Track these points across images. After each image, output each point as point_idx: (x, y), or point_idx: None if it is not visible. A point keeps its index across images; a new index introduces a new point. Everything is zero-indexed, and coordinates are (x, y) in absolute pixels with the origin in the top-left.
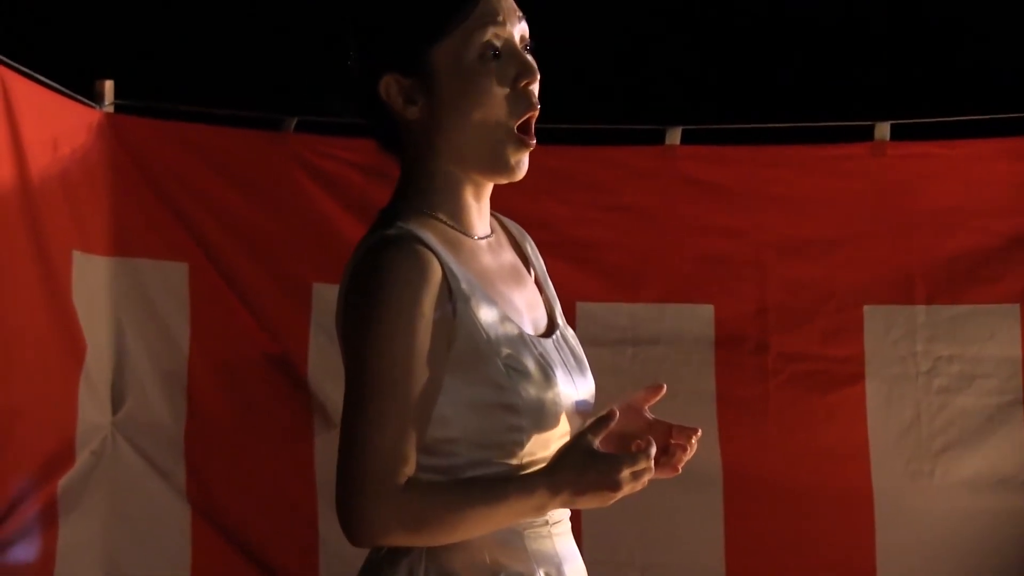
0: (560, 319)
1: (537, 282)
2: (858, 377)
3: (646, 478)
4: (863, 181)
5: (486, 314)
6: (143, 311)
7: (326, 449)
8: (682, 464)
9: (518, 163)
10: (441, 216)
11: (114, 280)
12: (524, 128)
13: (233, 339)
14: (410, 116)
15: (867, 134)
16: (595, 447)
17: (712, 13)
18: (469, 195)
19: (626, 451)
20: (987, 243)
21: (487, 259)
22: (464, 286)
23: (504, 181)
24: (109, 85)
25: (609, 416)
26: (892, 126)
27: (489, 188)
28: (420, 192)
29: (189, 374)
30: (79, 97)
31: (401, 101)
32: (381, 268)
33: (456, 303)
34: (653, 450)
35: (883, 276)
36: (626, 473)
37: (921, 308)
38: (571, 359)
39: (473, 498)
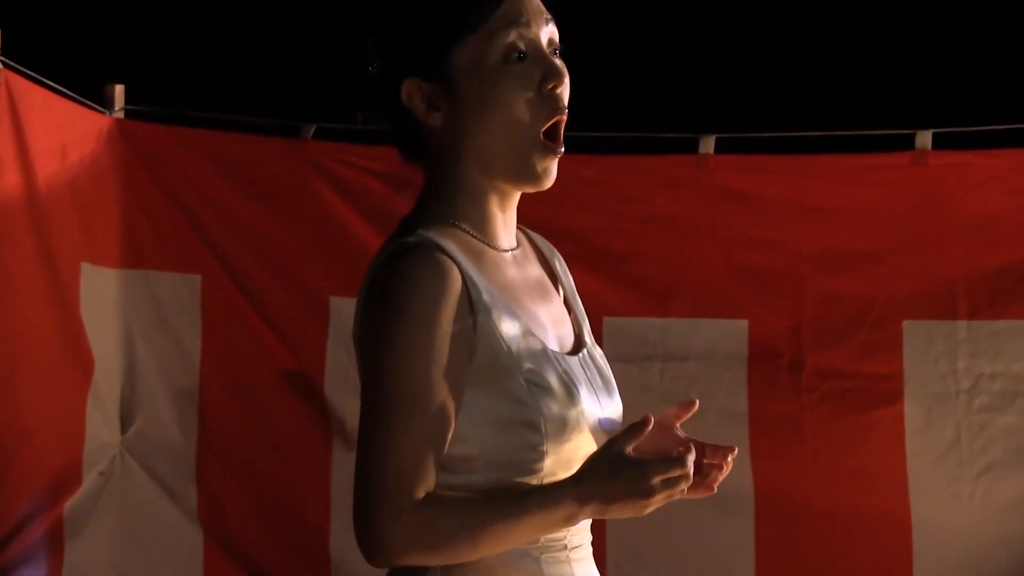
0: (588, 338)
1: (566, 300)
2: (896, 395)
3: (682, 486)
4: (903, 191)
5: (508, 327)
6: (154, 325)
7: (343, 469)
8: (718, 483)
9: (545, 170)
10: (464, 226)
11: (124, 293)
12: (551, 134)
13: (247, 354)
14: (433, 123)
15: (908, 143)
16: (626, 453)
17: (747, 18)
18: (494, 205)
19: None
20: None
21: (511, 272)
22: (486, 297)
23: (531, 190)
24: (119, 90)
25: (643, 423)
26: (934, 135)
27: (515, 199)
28: (443, 201)
29: (201, 391)
30: (88, 102)
31: (424, 107)
32: (399, 276)
33: (477, 315)
34: (691, 457)
35: (924, 290)
36: (658, 480)
37: (963, 323)
38: (597, 378)
39: (495, 512)
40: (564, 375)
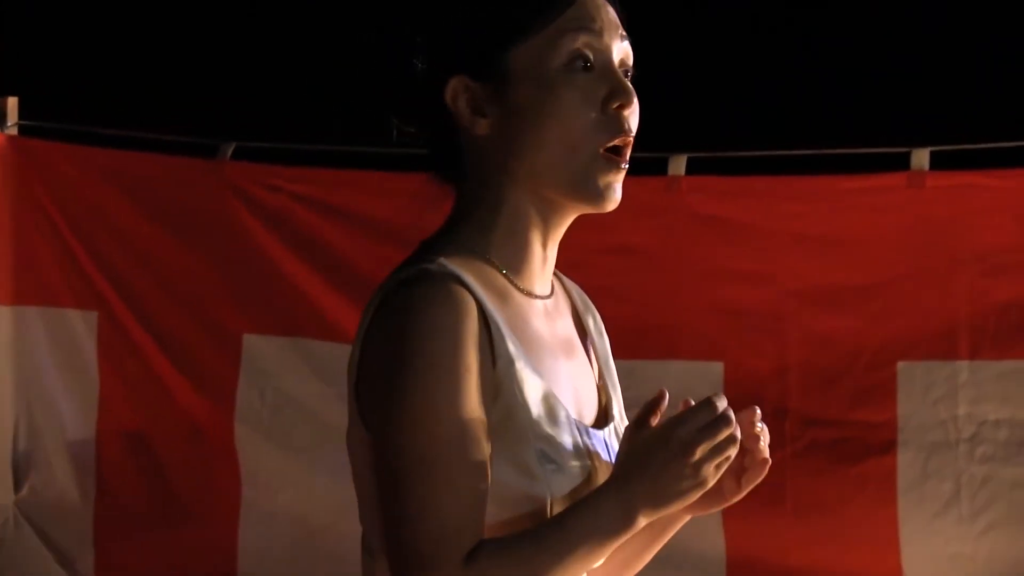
0: (617, 411)
1: (595, 364)
2: (890, 445)
3: (724, 433)
4: (898, 217)
5: (530, 386)
6: (49, 369)
7: (253, 526)
8: (766, 452)
9: (608, 186)
10: (495, 261)
11: (16, 332)
12: (614, 150)
13: (149, 401)
14: (478, 131)
15: (903, 162)
16: (647, 427)
17: (722, 24)
18: (535, 239)
19: None
20: None
21: (538, 323)
22: (510, 346)
23: (591, 209)
24: (12, 103)
25: (658, 397)
26: (932, 153)
27: (561, 232)
28: (477, 229)
29: (98, 443)
30: None
31: (469, 111)
32: (408, 308)
33: (497, 361)
34: (722, 402)
35: (921, 327)
36: (687, 429)
37: (964, 364)
38: None
39: (548, 554)
40: (583, 450)
